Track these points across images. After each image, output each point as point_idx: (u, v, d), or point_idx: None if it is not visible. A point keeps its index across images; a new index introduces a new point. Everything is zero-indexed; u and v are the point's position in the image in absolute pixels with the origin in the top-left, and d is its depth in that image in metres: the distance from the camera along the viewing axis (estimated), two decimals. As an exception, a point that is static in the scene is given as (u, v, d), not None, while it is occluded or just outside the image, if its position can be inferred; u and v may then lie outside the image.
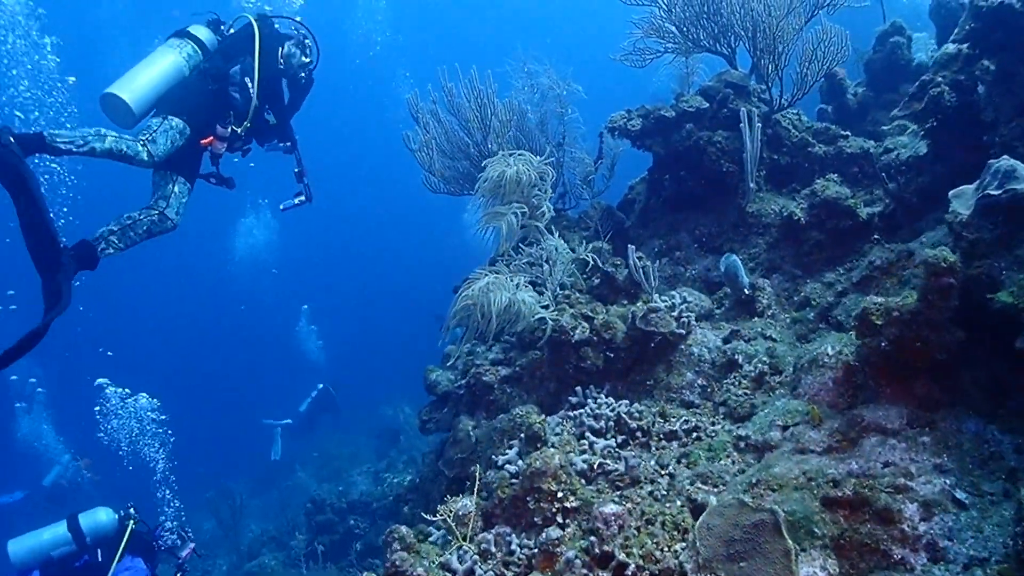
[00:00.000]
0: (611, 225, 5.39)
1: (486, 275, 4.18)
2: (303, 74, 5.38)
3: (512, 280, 4.13)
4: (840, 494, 2.71)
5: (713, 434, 3.55)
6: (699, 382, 4.01)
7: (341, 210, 35.06)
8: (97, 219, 4.43)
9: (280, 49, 5.11)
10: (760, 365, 3.77)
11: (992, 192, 2.76)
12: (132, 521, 5.50)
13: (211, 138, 4.69)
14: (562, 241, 4.33)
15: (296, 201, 5.55)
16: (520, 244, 4.47)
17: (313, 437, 16.31)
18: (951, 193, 3.03)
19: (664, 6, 5.33)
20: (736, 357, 3.92)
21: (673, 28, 5.42)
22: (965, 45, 3.76)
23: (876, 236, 4.42)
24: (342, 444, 16.47)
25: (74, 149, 3.93)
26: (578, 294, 4.47)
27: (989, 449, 2.86)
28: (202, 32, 4.87)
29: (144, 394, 7.66)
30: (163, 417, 7.55)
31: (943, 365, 3.00)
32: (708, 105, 5.31)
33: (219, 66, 4.76)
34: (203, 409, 26.49)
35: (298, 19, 5.44)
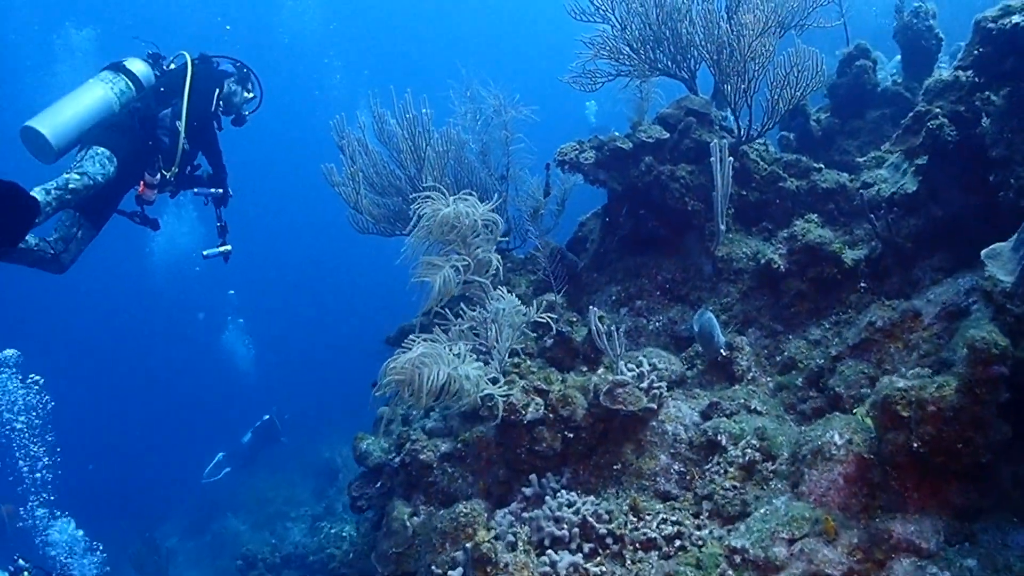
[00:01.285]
0: (563, 270, 4.74)
1: (419, 342, 3.45)
2: (247, 112, 5.34)
3: (452, 349, 3.42)
4: (879, 652, 2.10)
5: (700, 542, 2.91)
6: (676, 467, 3.37)
7: (279, 215, 32.74)
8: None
9: (218, 90, 4.96)
10: (749, 451, 3.15)
11: (1042, 256, 2.23)
12: (25, 572, 5.52)
13: (143, 187, 4.58)
14: (513, 298, 3.64)
15: (220, 250, 5.34)
16: (462, 302, 3.76)
17: (250, 474, 15.38)
18: (984, 254, 2.50)
19: (617, 23, 4.75)
20: (718, 437, 3.30)
21: (627, 48, 4.85)
22: (968, 72, 3.28)
23: (863, 284, 3.91)
24: (279, 486, 15.49)
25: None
26: (529, 360, 3.79)
27: (1045, 571, 2.31)
28: (138, 66, 4.60)
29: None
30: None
31: (983, 464, 2.45)
32: (668, 136, 4.75)
33: (150, 106, 4.58)
34: (126, 432, 24.43)
35: (239, 61, 5.27)
